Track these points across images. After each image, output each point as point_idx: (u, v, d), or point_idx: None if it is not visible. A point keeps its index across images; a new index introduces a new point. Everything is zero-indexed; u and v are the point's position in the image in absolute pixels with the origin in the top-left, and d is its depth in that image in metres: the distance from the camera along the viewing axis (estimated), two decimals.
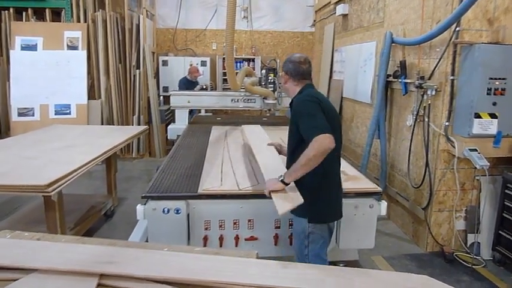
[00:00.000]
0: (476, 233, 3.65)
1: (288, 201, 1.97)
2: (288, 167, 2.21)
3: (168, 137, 5.83)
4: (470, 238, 3.71)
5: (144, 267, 1.42)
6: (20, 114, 6.35)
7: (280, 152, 2.71)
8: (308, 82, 2.32)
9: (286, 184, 2.04)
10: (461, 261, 3.56)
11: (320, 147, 1.92)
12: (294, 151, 2.20)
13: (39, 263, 1.43)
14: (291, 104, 2.32)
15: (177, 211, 2.40)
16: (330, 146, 1.93)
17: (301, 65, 2.29)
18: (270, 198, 2.03)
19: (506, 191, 3.39)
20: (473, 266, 3.47)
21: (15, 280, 1.36)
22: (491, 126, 3.37)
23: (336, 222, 2.45)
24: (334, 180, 2.30)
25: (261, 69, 7.63)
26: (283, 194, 2.03)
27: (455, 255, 3.63)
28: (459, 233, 3.75)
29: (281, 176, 2.05)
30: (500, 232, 3.46)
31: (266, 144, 2.85)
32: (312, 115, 2.05)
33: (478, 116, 3.33)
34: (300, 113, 2.11)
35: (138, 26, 6.88)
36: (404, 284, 1.43)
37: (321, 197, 2.20)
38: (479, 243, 3.66)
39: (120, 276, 1.38)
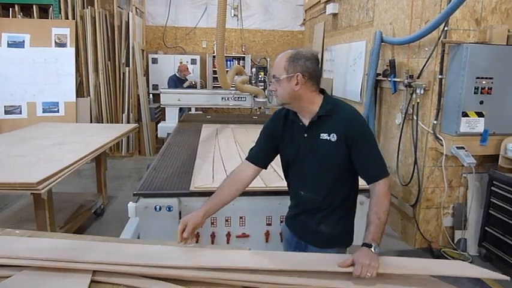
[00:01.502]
0: (463, 229, 3.71)
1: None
2: (317, 202, 1.81)
3: (158, 135, 5.80)
4: (457, 234, 3.78)
5: (138, 263, 1.42)
6: (6, 112, 6.26)
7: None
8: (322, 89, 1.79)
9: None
10: (449, 257, 3.63)
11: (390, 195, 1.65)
12: (336, 184, 1.77)
13: (31, 259, 1.42)
14: (314, 121, 1.72)
15: (169, 208, 2.39)
16: None
17: (318, 64, 1.73)
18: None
19: (492, 188, 3.46)
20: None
21: (7, 277, 1.35)
22: (478, 125, 3.43)
23: None
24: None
25: (251, 68, 7.64)
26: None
27: (443, 251, 3.69)
28: (446, 229, 3.81)
29: (371, 246, 1.50)
30: (486, 228, 3.53)
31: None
32: (377, 146, 1.70)
33: (465, 114, 3.39)
34: (364, 139, 1.69)
35: (127, 23, 6.83)
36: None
37: (352, 218, 1.93)
38: (465, 239, 3.73)
39: (114, 273, 1.38)
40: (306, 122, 1.76)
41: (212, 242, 2.52)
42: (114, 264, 1.40)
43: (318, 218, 1.81)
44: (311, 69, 1.67)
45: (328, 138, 1.70)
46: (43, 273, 1.36)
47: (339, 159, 1.71)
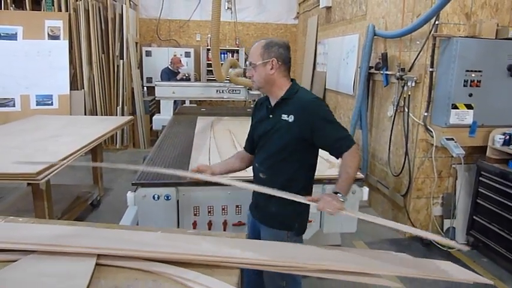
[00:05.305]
0: (452, 218, 3.82)
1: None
2: (270, 178, 1.91)
3: (153, 128, 5.84)
4: (446, 223, 3.89)
5: (140, 247, 1.48)
6: None
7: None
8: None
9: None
10: (438, 245, 3.73)
11: (359, 156, 1.83)
12: (280, 164, 1.89)
13: (37, 245, 1.47)
14: (278, 103, 1.87)
15: (167, 197, 2.45)
16: None
17: (289, 52, 1.87)
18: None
19: (480, 178, 3.56)
20: (449, 250, 3.65)
21: (13, 261, 1.40)
22: (467, 117, 3.52)
23: None
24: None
25: (245, 61, 7.67)
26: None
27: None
28: (436, 218, 3.92)
29: (338, 193, 1.72)
30: (474, 217, 3.63)
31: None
32: (339, 124, 1.82)
33: (455, 106, 3.47)
34: (325, 121, 1.79)
35: (121, 15, 6.82)
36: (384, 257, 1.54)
37: (306, 206, 1.87)
38: (454, 228, 3.83)
39: (117, 256, 1.43)
40: (273, 104, 1.92)
41: (209, 230, 2.58)
42: (117, 250, 1.45)
43: (266, 195, 1.79)
44: (284, 55, 1.84)
45: (287, 118, 1.83)
46: (50, 256, 1.42)
47: (288, 139, 1.83)
